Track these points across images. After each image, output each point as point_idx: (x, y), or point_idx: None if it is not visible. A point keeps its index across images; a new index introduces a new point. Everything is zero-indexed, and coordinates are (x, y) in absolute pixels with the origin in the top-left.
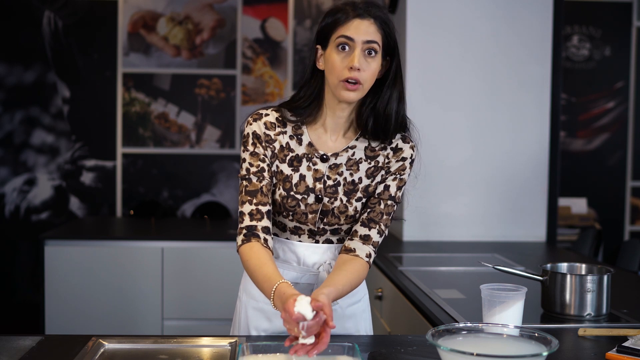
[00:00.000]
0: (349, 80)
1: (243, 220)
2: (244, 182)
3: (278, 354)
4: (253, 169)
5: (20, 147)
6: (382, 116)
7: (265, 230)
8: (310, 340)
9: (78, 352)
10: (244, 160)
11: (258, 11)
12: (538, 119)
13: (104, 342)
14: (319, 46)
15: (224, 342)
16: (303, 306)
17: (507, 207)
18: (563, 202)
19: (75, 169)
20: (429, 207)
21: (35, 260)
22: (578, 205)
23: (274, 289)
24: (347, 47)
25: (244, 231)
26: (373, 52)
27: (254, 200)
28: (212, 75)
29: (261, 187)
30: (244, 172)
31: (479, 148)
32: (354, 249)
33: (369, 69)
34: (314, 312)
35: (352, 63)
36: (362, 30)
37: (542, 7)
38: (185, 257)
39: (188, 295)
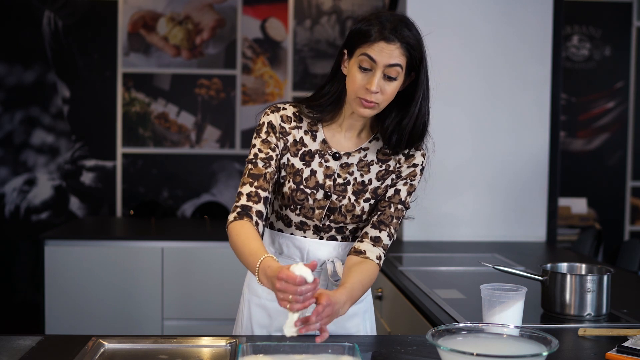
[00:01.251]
0: (366, 100)
1: (239, 199)
2: (249, 166)
3: (278, 354)
4: (261, 155)
5: (20, 147)
6: (407, 134)
7: (259, 214)
8: (302, 309)
9: (78, 352)
10: (254, 145)
11: (258, 11)
12: (538, 119)
13: (104, 342)
14: (345, 51)
15: (224, 342)
16: (302, 269)
17: (507, 207)
18: (563, 202)
19: (75, 169)
20: (429, 207)
21: (35, 260)
22: (578, 205)
23: (259, 263)
24: (368, 68)
25: (238, 209)
26: (394, 75)
27: (255, 184)
28: (212, 75)
29: (265, 173)
30: (251, 156)
31: (479, 148)
32: (364, 250)
33: (387, 91)
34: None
35: (370, 86)
36: (386, 54)
37: (542, 7)
38: (185, 257)
39: (188, 295)
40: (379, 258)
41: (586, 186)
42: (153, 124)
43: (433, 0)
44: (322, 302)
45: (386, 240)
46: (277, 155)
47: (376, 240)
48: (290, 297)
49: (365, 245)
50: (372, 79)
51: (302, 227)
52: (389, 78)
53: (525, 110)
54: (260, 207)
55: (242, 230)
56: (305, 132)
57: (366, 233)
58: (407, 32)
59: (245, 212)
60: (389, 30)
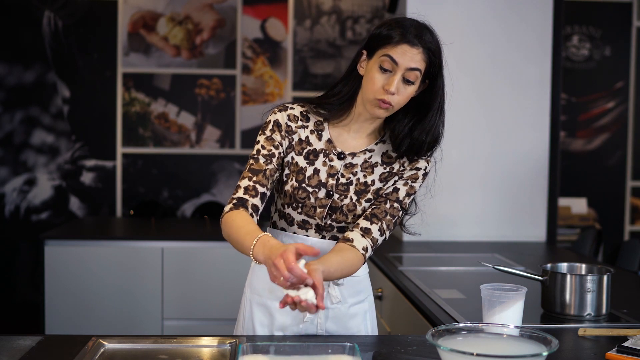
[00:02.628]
0: (383, 101)
1: (237, 192)
2: (251, 161)
3: (278, 354)
4: (264, 152)
5: (20, 147)
6: (419, 143)
7: (255, 208)
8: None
9: (78, 352)
10: (258, 142)
11: (258, 11)
12: (538, 119)
13: (104, 342)
14: (364, 51)
15: (224, 342)
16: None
17: (507, 207)
18: (563, 202)
19: (75, 169)
20: (428, 207)
21: (35, 260)
22: (578, 205)
23: (256, 239)
24: (389, 69)
25: (234, 201)
26: (412, 79)
27: (254, 178)
28: (212, 75)
29: (265, 170)
30: (254, 152)
31: (478, 148)
32: (352, 239)
33: (404, 94)
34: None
35: (389, 87)
36: (408, 57)
37: (542, 7)
38: (185, 257)
39: (188, 295)
40: (365, 249)
41: (586, 186)
42: (153, 124)
43: (433, 1)
44: (320, 290)
45: (376, 234)
46: (279, 153)
47: (366, 232)
48: (282, 278)
49: (354, 235)
50: (392, 80)
51: (304, 225)
52: (407, 81)
53: (525, 110)
54: (256, 201)
55: (238, 217)
56: (311, 132)
57: (358, 224)
58: (430, 37)
59: (241, 203)
60: (413, 34)
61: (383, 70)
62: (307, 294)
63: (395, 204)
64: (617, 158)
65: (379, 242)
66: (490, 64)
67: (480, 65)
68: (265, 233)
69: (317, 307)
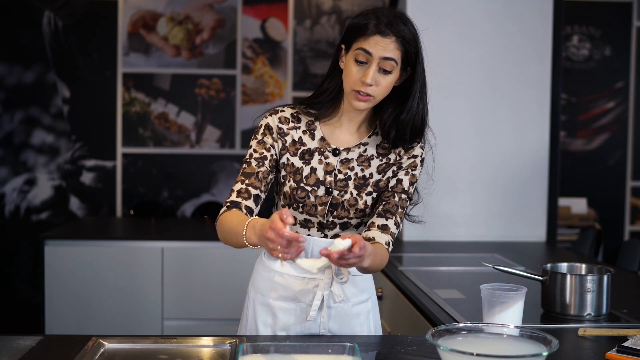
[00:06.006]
0: (361, 92)
1: (230, 196)
2: (244, 165)
3: (278, 354)
4: (256, 155)
5: (20, 147)
6: (405, 128)
7: (248, 210)
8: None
9: (78, 352)
10: (251, 146)
11: (258, 11)
12: (538, 119)
13: (104, 342)
14: (343, 45)
15: (224, 342)
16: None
17: (507, 207)
18: (563, 202)
19: (75, 169)
20: (429, 207)
21: (35, 260)
22: (578, 205)
23: (247, 222)
24: (364, 61)
25: (228, 204)
26: (389, 69)
27: (246, 181)
28: (212, 75)
29: (257, 172)
30: (246, 156)
31: (479, 148)
32: (373, 237)
33: (382, 84)
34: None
35: (365, 78)
36: (381, 47)
37: (542, 7)
38: (185, 257)
39: (188, 295)
40: (387, 244)
41: (586, 186)
42: (153, 124)
43: (433, 0)
44: (359, 244)
45: (393, 229)
46: (272, 155)
47: (384, 228)
48: (279, 247)
49: (374, 233)
50: (368, 72)
51: (306, 224)
52: (384, 71)
53: (525, 110)
54: (249, 203)
55: (231, 214)
56: (304, 132)
57: (373, 222)
58: (403, 26)
59: (234, 205)
60: (385, 24)
61: (359, 62)
62: (342, 243)
63: (403, 195)
64: (617, 158)
65: (395, 235)
66: (490, 64)
67: (480, 65)
68: (254, 217)
69: (351, 253)
